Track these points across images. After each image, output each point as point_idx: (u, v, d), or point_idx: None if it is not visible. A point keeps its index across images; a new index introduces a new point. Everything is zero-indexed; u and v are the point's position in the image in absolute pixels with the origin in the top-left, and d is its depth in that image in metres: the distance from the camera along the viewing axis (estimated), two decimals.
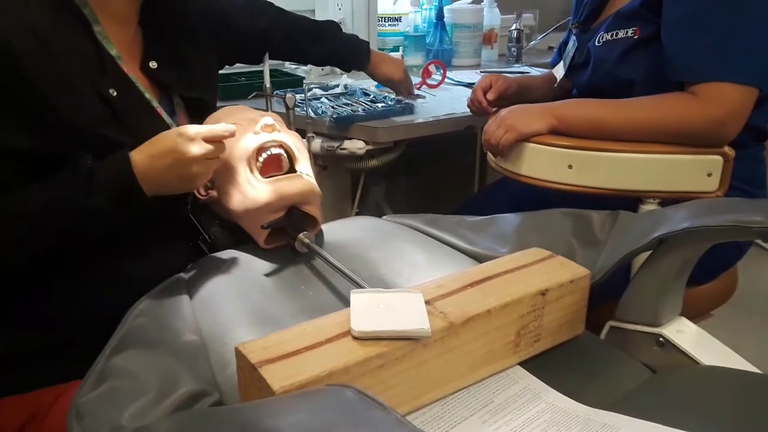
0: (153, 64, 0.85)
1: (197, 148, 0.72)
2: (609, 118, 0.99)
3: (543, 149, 1.02)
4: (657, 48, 0.98)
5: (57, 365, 0.77)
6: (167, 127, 0.79)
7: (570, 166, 0.99)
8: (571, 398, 0.65)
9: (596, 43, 1.10)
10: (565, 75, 1.23)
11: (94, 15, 0.77)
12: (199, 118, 0.89)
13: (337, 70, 1.81)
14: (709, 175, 0.94)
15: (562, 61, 1.26)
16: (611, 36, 1.07)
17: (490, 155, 1.14)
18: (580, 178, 0.99)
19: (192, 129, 0.73)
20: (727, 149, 0.94)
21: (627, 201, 0.96)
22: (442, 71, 1.62)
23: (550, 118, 1.03)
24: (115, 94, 0.76)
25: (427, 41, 1.94)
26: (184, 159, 0.71)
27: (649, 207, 0.98)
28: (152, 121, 0.82)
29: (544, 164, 1.03)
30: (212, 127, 0.74)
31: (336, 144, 1.29)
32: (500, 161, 1.10)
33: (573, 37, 1.22)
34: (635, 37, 1.03)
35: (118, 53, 0.80)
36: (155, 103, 0.84)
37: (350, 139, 1.29)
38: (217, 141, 0.74)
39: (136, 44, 0.86)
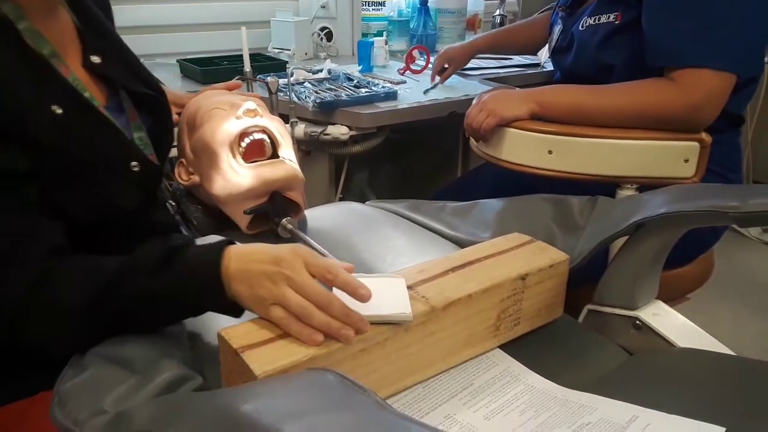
0: (96, 59, 0.74)
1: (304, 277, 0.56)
2: (588, 104, 1.00)
3: (523, 134, 1.02)
4: (637, 34, 0.99)
5: (21, 377, 0.70)
6: (118, 131, 0.72)
7: (550, 152, 1.00)
8: (549, 380, 0.66)
9: (580, 28, 1.11)
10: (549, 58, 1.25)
11: (17, 11, 0.65)
12: (150, 114, 0.79)
13: (321, 54, 1.81)
14: (686, 161, 0.95)
15: (546, 44, 1.27)
16: (594, 21, 1.08)
17: (472, 140, 1.14)
18: (560, 163, 1.00)
19: (312, 257, 0.57)
20: (704, 135, 0.95)
21: (605, 186, 0.98)
22: (426, 57, 1.62)
23: (531, 103, 1.03)
24: (60, 111, 0.65)
25: (411, 26, 1.94)
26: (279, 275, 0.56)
27: (626, 192, 0.99)
28: (99, 126, 0.71)
29: (524, 149, 1.03)
30: (347, 276, 0.57)
31: (319, 129, 1.28)
32: (482, 146, 1.11)
33: (558, 20, 1.22)
34: (616, 22, 1.04)
35: (54, 49, 0.68)
36: (98, 104, 0.72)
37: (334, 124, 1.29)
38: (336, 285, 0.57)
39: (74, 37, 0.75)
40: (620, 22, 1.03)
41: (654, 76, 0.98)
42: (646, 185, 0.95)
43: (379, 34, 1.85)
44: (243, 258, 0.58)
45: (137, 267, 0.58)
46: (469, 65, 1.54)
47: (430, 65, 1.61)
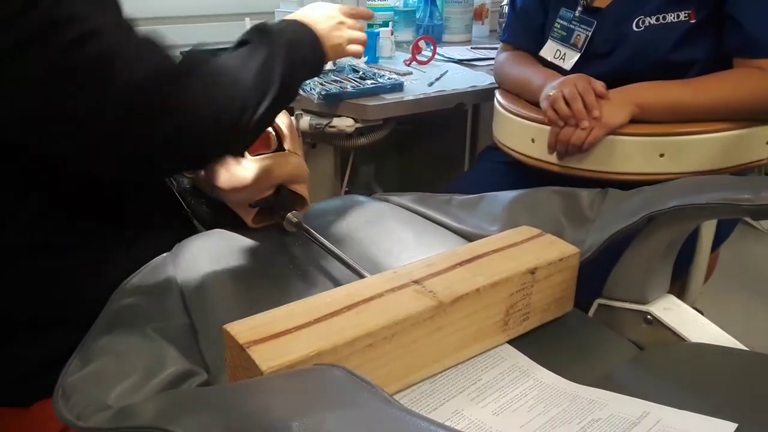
0: None
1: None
2: (691, 101, 0.96)
3: (632, 141, 0.95)
4: (715, 30, 0.96)
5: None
6: None
7: (661, 155, 0.95)
8: (558, 375, 0.66)
9: (634, 28, 1.03)
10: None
11: None
12: None
13: None
14: (767, 143, 0.97)
15: (560, 45, 1.13)
16: (658, 20, 1.01)
17: (553, 157, 1.02)
18: (673, 165, 0.95)
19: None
20: None
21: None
22: (432, 47, 1.61)
23: (632, 105, 0.97)
24: None
25: (418, 16, 1.92)
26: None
27: None
28: None
29: (634, 157, 0.96)
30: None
31: (325, 121, 1.27)
32: (571, 161, 0.99)
33: (578, 16, 1.10)
34: (691, 21, 0.98)
35: None
36: None
37: (339, 116, 1.28)
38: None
39: None
40: (695, 20, 0.98)
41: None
42: (735, 173, 0.96)
43: (385, 24, 1.83)
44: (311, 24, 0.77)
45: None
46: (476, 56, 1.52)
47: (436, 56, 1.60)
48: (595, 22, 1.08)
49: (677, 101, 0.97)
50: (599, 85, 0.99)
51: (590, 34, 1.08)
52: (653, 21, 1.02)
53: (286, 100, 0.70)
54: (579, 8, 1.11)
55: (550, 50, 1.17)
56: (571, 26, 1.12)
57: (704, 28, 0.98)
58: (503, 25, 2.01)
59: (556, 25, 1.15)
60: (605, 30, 1.07)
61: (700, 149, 0.96)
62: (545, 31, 1.20)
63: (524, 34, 1.26)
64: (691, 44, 1.00)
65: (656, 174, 0.95)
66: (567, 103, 0.97)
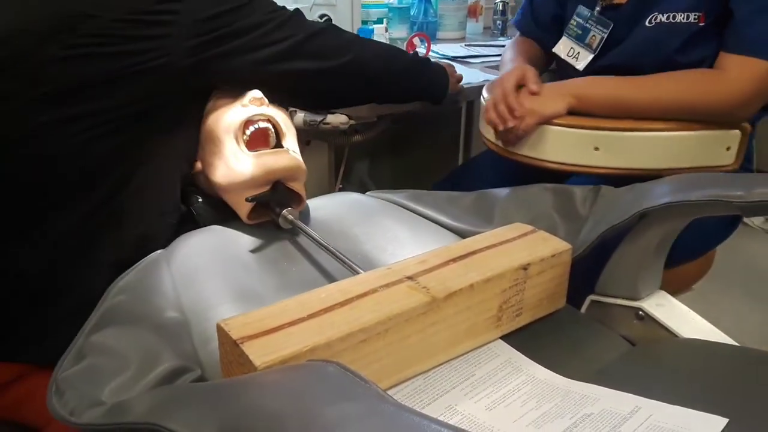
0: None
1: None
2: (630, 97, 0.95)
3: (567, 132, 0.95)
4: (719, 33, 0.94)
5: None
6: None
7: (596, 148, 0.94)
8: (551, 371, 0.66)
9: (647, 24, 1.01)
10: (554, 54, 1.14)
11: None
12: None
13: None
14: (728, 149, 0.93)
15: (574, 43, 1.11)
16: (668, 18, 0.99)
17: (499, 142, 1.05)
18: (608, 160, 0.94)
19: None
20: (745, 123, 0.93)
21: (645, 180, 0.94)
22: (426, 44, 1.61)
23: (569, 97, 0.97)
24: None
25: (412, 13, 1.92)
26: None
27: None
28: None
29: (569, 148, 0.97)
30: None
31: (319, 118, 1.27)
32: (516, 147, 1.02)
33: (596, 16, 1.07)
34: (700, 24, 0.96)
35: None
36: None
37: (333, 113, 1.28)
38: None
39: None
40: (704, 23, 0.96)
41: None
42: None
43: (379, 21, 1.82)
44: None
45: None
46: (470, 53, 1.52)
47: (430, 53, 1.60)
48: (612, 24, 1.06)
49: (616, 96, 0.96)
50: (531, 83, 1.02)
51: (605, 36, 1.07)
52: (664, 19, 1.00)
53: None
54: (597, 8, 1.08)
55: (564, 47, 1.15)
56: (588, 25, 1.10)
57: (712, 32, 0.96)
58: (497, 22, 2.02)
59: (572, 22, 1.12)
60: (620, 25, 1.06)
61: (637, 146, 0.94)
62: (564, 24, 1.16)
63: (530, 21, 1.26)
64: (698, 46, 0.98)
65: (591, 166, 0.96)
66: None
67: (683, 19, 0.98)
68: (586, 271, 0.77)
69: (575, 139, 0.96)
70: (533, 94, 1.00)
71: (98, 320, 0.63)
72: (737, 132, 0.93)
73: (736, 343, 0.71)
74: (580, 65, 1.10)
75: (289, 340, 0.53)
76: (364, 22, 1.83)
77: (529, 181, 0.90)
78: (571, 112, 0.97)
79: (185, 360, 0.59)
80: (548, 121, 0.97)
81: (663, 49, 1.00)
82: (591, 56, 1.09)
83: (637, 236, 0.74)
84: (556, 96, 0.98)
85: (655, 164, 0.95)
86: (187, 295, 0.68)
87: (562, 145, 0.97)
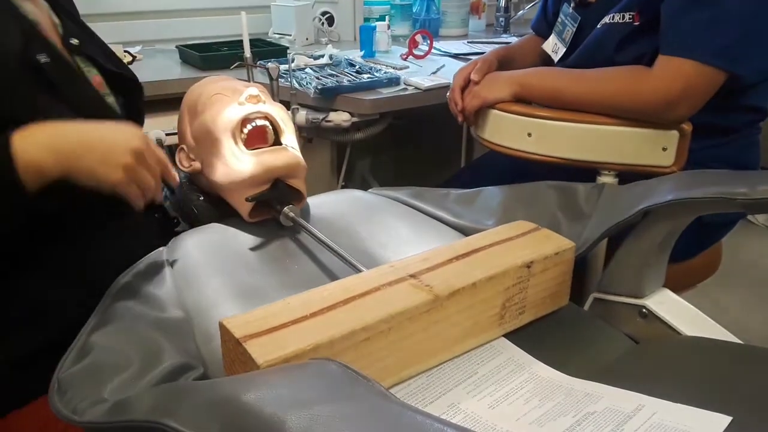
0: (74, 41, 0.79)
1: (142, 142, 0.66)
2: (567, 89, 0.99)
3: (504, 116, 1.03)
4: (655, 34, 0.93)
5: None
6: (101, 99, 0.77)
7: (529, 134, 1.00)
8: (554, 369, 0.66)
9: (598, 26, 1.03)
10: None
11: None
12: (122, 94, 0.85)
13: (322, 39, 1.79)
14: (664, 149, 0.93)
15: (557, 38, 1.15)
16: (611, 19, 1.00)
17: (485, 134, 1.11)
18: (539, 146, 0.99)
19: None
20: (684, 124, 0.92)
21: (586, 172, 0.97)
22: (429, 41, 1.60)
23: (515, 85, 1.03)
24: (46, 60, 0.70)
25: (414, 10, 1.91)
26: (123, 145, 0.64)
27: (605, 179, 0.97)
28: (87, 90, 0.77)
29: (505, 131, 1.04)
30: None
31: (321, 116, 1.27)
32: (478, 131, 1.11)
33: (570, 11, 1.12)
34: (635, 23, 0.97)
35: (38, 22, 0.75)
36: (87, 74, 0.79)
37: (336, 110, 1.27)
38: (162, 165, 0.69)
39: (52, 25, 0.80)
40: (639, 23, 0.97)
41: None
42: (625, 172, 0.94)
43: (382, 18, 1.82)
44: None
45: None
46: (465, 50, 1.52)
47: (433, 50, 1.60)
48: (580, 18, 1.10)
49: (554, 87, 1.01)
50: (474, 75, 1.10)
51: (575, 30, 1.11)
52: (609, 20, 1.02)
53: None
54: (572, 3, 1.12)
55: (551, 43, 1.19)
56: (566, 21, 1.14)
57: (647, 31, 0.96)
58: (500, 19, 2.01)
59: (558, 19, 1.17)
60: (588, 25, 1.09)
61: (565, 136, 0.97)
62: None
63: (542, 20, 1.30)
64: (633, 45, 0.99)
65: (525, 152, 1.01)
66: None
67: (620, 19, 1.00)
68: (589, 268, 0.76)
69: (510, 123, 1.02)
70: (474, 82, 1.09)
71: (100, 319, 0.63)
72: (675, 133, 0.92)
73: (740, 341, 0.71)
74: (557, 58, 1.15)
75: (292, 339, 0.53)
76: (366, 20, 1.83)
77: (531, 179, 0.90)
78: (519, 100, 1.03)
79: (188, 357, 0.59)
80: (491, 105, 1.04)
81: (604, 49, 1.03)
82: (564, 49, 1.14)
83: (641, 234, 0.74)
84: (503, 83, 1.04)
85: (585, 156, 0.97)
86: (188, 293, 0.68)
87: (499, 129, 1.05)
